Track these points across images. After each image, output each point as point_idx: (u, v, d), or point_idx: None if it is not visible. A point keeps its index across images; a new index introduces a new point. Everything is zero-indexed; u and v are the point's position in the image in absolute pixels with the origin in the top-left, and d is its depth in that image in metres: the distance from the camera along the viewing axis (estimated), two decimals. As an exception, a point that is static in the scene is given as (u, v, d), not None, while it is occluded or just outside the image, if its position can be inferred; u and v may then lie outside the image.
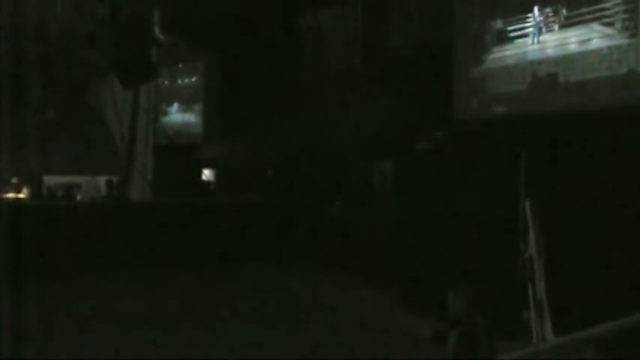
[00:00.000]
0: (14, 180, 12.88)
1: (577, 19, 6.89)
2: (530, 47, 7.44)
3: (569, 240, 6.29)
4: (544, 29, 7.27)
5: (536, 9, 7.34)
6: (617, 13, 6.47)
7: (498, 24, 7.87)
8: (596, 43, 6.67)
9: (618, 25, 6.45)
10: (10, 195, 12.58)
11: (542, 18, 7.29)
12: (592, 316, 3.76)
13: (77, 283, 8.82)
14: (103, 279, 9.11)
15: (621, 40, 6.42)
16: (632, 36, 6.31)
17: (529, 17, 7.44)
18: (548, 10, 7.21)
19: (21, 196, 12.65)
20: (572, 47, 6.93)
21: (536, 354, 3.64)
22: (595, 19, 6.67)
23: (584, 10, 6.79)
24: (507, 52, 7.75)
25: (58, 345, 6.11)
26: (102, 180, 13.55)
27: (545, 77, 7.25)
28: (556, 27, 7.14)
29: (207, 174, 14.34)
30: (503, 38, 7.80)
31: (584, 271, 6.26)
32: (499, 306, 5.91)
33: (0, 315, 6.75)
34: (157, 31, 12.65)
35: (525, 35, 7.50)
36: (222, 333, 6.96)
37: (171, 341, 6.59)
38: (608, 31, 6.54)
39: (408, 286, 8.19)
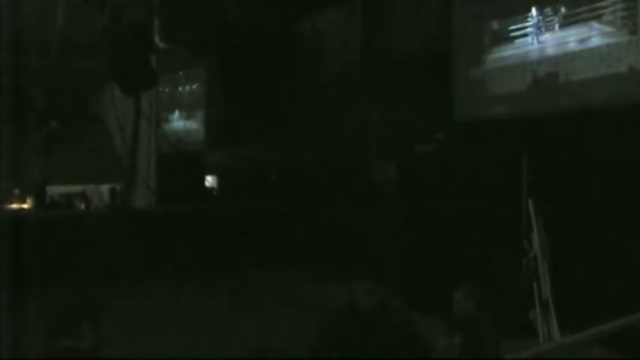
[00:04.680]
0: (16, 191, 12.91)
1: (576, 18, 6.89)
2: (530, 47, 7.44)
3: (572, 241, 6.28)
4: (543, 28, 7.28)
5: (534, 9, 7.35)
6: (615, 10, 6.47)
7: (497, 24, 7.88)
8: (596, 41, 6.67)
9: (617, 22, 6.45)
10: (14, 205, 12.62)
11: (541, 17, 7.30)
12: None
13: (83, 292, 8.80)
14: (104, 286, 9.09)
15: (620, 38, 6.42)
16: (632, 33, 6.31)
17: (528, 17, 7.45)
18: (547, 9, 7.22)
19: (25, 206, 12.69)
20: (572, 46, 6.93)
21: (543, 354, 3.63)
22: (594, 18, 6.68)
23: (583, 8, 6.80)
24: (506, 53, 7.75)
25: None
26: (105, 188, 13.58)
27: (545, 77, 7.25)
28: (555, 26, 7.14)
29: (210, 180, 14.35)
30: (502, 38, 7.81)
31: (586, 273, 6.25)
32: (504, 306, 5.90)
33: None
34: (157, 38, 12.67)
35: (525, 35, 7.50)
36: (225, 339, 6.95)
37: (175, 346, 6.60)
38: (607, 29, 6.55)
39: (410, 288, 8.17)
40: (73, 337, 2.85)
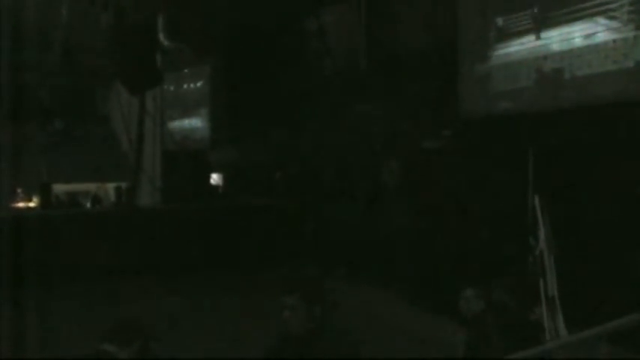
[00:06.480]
0: (20, 190, 12.96)
1: (581, 14, 6.84)
2: (535, 43, 7.39)
3: (578, 237, 6.26)
4: (548, 24, 7.23)
5: (538, 4, 7.30)
6: (622, 5, 6.42)
7: (501, 21, 7.83)
8: (601, 36, 6.62)
9: (623, 17, 6.40)
10: (21, 204, 12.67)
11: (545, 13, 7.25)
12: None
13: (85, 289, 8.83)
14: (112, 285, 9.11)
15: (627, 33, 6.37)
16: (638, 28, 6.26)
17: (533, 12, 7.40)
18: (551, 4, 7.17)
19: (31, 205, 12.74)
20: (577, 42, 6.87)
21: (549, 351, 3.62)
22: (599, 13, 6.63)
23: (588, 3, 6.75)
24: (511, 49, 7.70)
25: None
26: (111, 187, 13.62)
27: (550, 73, 7.20)
28: (560, 21, 7.10)
29: (215, 178, 14.36)
30: (506, 35, 7.76)
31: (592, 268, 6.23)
32: (510, 303, 5.88)
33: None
34: (162, 36, 12.68)
35: (529, 31, 7.45)
36: (230, 336, 6.96)
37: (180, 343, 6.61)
38: (614, 24, 6.50)
39: (418, 285, 8.17)
40: (119, 346, 2.88)
